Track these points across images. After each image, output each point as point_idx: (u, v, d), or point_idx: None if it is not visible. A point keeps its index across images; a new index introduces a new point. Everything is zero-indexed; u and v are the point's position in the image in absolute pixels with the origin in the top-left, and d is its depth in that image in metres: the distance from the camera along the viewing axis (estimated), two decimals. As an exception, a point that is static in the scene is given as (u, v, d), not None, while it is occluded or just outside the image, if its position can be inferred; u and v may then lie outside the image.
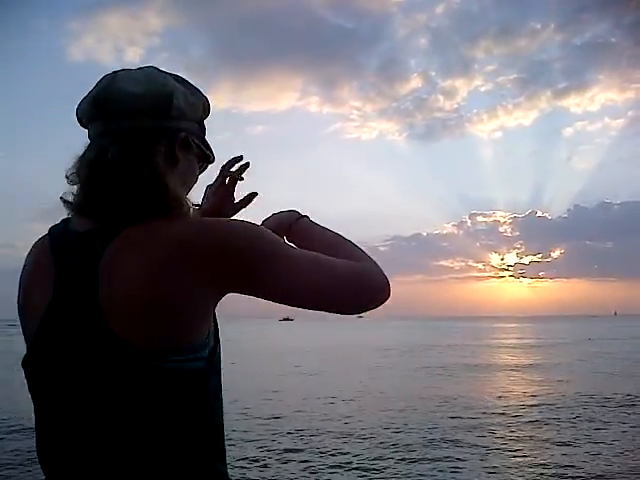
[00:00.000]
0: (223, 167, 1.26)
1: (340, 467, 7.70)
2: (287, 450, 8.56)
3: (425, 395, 13.66)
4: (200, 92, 1.05)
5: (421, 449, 8.53)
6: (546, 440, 9.01)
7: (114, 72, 1.00)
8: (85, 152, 0.98)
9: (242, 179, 1.26)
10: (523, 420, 10.63)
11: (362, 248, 1.09)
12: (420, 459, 8.00)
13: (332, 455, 8.26)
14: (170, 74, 1.02)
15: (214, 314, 0.97)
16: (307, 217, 1.18)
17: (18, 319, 1.00)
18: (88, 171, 0.95)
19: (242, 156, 1.26)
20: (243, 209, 1.29)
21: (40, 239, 1.02)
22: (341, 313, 0.99)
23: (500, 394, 14.08)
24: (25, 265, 1.02)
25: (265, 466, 7.79)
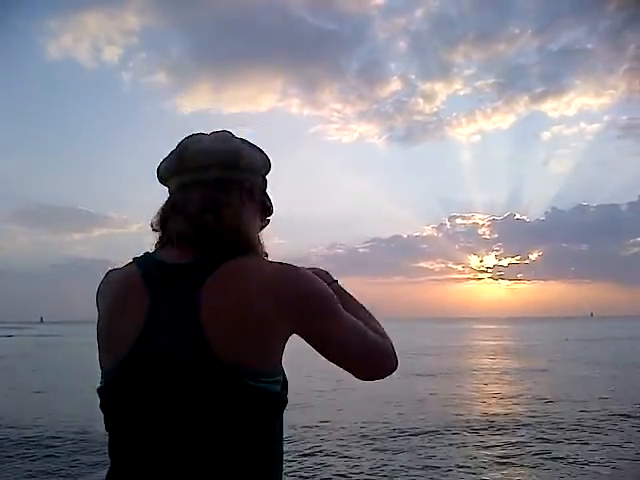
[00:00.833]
0: None
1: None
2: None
3: (397, 397, 13.75)
4: (263, 152, 1.22)
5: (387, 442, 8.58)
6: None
7: (195, 135, 1.19)
8: (169, 202, 1.15)
9: None
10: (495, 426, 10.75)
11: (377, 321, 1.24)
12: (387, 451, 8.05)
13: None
14: (239, 139, 1.20)
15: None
16: (337, 281, 1.31)
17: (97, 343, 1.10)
18: (184, 213, 1.10)
19: None
20: None
21: (119, 271, 1.15)
22: (356, 376, 1.14)
23: (477, 396, 14.21)
24: (111, 292, 1.12)
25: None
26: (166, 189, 1.19)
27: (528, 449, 8.45)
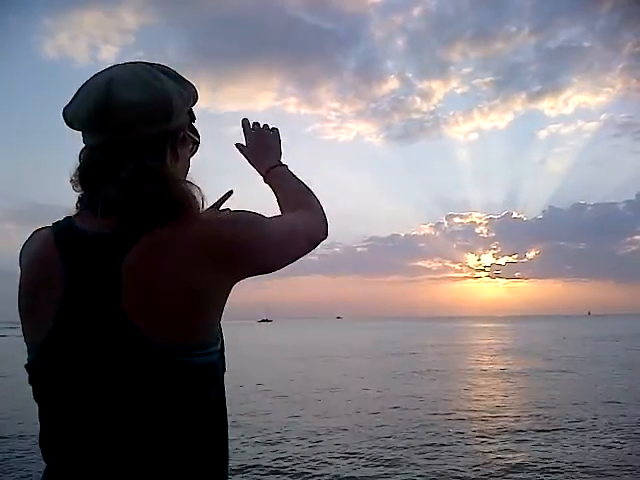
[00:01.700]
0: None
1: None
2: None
3: (400, 397, 13.73)
4: (188, 82, 1.08)
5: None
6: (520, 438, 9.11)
7: (105, 73, 1.01)
8: (91, 159, 1.00)
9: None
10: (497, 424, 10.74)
11: (314, 195, 1.28)
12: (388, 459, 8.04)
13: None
14: (158, 67, 1.04)
15: None
16: (286, 166, 1.35)
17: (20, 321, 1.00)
18: (116, 181, 0.96)
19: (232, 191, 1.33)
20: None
21: (38, 235, 1.02)
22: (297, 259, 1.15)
23: (475, 396, 14.21)
24: (25, 264, 1.01)
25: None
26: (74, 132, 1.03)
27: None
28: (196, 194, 1.00)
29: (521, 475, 7.21)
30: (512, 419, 10.67)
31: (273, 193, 1.31)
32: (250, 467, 7.68)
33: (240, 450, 8.44)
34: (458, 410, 11.66)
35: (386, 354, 27.60)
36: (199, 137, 1.14)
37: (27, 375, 0.98)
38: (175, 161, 1.04)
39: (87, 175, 0.99)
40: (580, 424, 10.06)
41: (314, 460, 8.04)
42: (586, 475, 7.19)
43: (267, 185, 1.33)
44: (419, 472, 7.39)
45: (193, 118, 1.12)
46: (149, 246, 0.92)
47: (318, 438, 9.37)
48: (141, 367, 0.89)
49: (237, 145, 1.41)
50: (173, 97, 1.00)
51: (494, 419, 10.70)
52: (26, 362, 0.98)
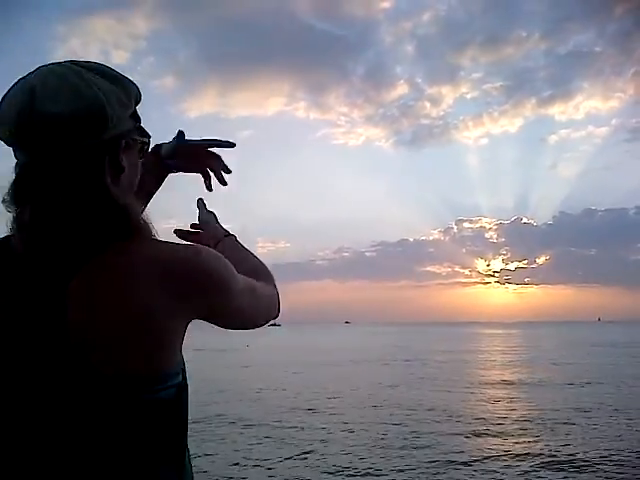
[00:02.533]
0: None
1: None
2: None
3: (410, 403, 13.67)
4: (128, 80, 0.94)
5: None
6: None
7: (28, 79, 0.87)
8: (22, 177, 0.88)
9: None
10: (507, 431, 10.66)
11: (267, 268, 1.17)
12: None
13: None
14: (89, 67, 0.90)
15: None
16: (234, 236, 1.23)
17: None
18: (45, 204, 0.86)
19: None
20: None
21: None
22: (249, 328, 1.11)
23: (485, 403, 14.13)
24: None
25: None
26: None
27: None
28: (139, 214, 0.91)
29: None
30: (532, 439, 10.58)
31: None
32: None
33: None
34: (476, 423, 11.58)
35: (395, 360, 27.49)
36: (148, 136, 1.00)
37: None
38: (118, 172, 0.91)
39: (17, 195, 0.88)
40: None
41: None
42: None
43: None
44: None
45: (138, 120, 0.97)
46: (97, 272, 0.83)
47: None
48: (91, 398, 0.81)
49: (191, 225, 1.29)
50: (107, 104, 0.86)
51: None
52: None
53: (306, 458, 8.45)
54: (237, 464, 8.14)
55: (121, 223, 0.87)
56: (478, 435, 9.83)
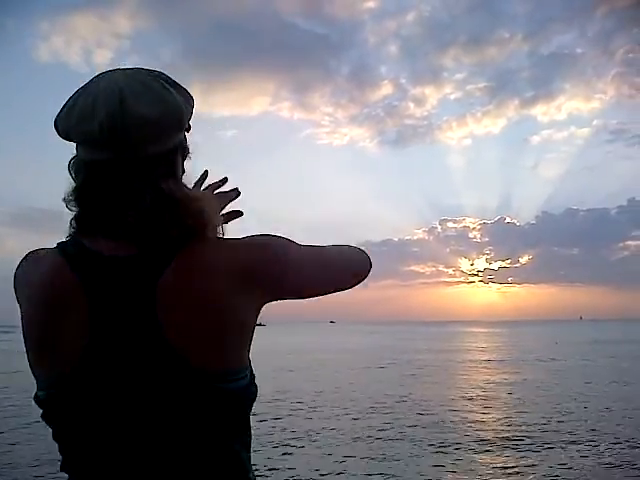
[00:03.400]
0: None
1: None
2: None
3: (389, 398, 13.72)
4: (186, 89, 1.00)
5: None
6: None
7: (111, 81, 0.91)
8: (93, 177, 0.91)
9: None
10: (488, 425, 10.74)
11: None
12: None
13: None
14: (159, 75, 0.96)
15: None
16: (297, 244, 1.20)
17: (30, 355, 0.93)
18: (115, 200, 0.89)
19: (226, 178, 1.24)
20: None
21: (42, 258, 0.95)
22: (341, 291, 1.11)
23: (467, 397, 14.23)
24: (34, 291, 0.92)
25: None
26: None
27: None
28: (216, 212, 1.00)
29: None
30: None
31: None
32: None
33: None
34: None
35: (380, 359, 27.56)
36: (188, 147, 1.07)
37: (42, 409, 0.93)
38: (182, 173, 1.00)
39: (95, 195, 0.91)
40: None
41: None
42: None
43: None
44: None
45: (189, 128, 1.03)
46: (183, 268, 0.88)
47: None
48: (182, 392, 0.87)
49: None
50: (181, 107, 0.94)
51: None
52: (39, 396, 0.92)
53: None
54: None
55: (198, 222, 0.91)
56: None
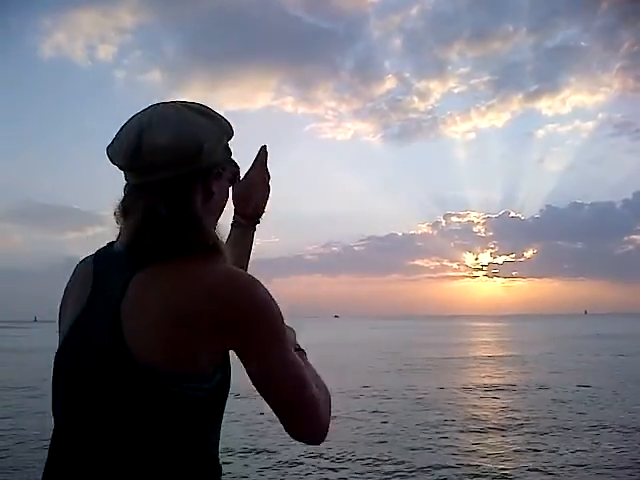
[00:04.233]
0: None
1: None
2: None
3: (399, 391, 13.74)
4: (221, 117, 1.10)
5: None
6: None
7: (145, 113, 1.06)
8: (126, 198, 1.07)
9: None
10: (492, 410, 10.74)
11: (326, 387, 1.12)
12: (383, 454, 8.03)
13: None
14: (191, 107, 1.07)
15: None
16: (301, 350, 1.20)
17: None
18: (131, 221, 1.03)
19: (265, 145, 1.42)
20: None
21: (88, 257, 1.13)
22: (287, 427, 1.02)
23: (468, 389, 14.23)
24: (69, 280, 1.14)
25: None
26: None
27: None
28: (214, 238, 1.04)
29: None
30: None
31: (238, 242, 1.33)
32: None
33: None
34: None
35: (384, 353, 27.58)
36: (238, 167, 1.20)
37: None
38: (208, 197, 1.08)
39: (123, 209, 1.07)
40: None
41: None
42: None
43: (236, 229, 1.35)
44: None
45: (229, 152, 1.15)
46: (152, 274, 0.98)
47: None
48: (133, 391, 0.93)
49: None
50: (204, 138, 1.03)
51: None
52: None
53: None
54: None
55: (194, 239, 1.00)
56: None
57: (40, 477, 1.02)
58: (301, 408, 1.01)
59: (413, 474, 7.29)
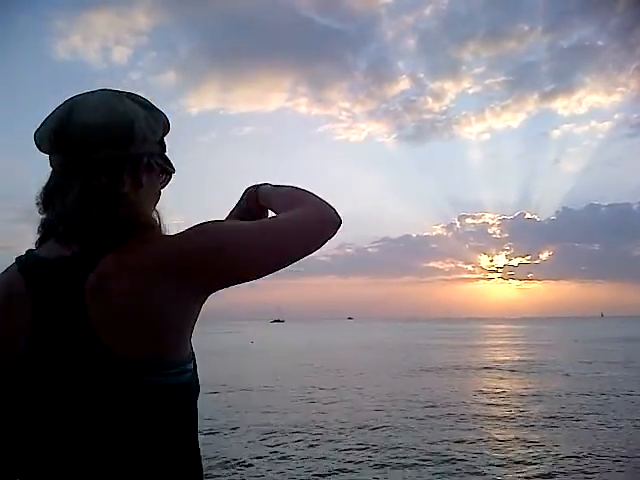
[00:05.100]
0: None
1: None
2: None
3: (411, 394, 13.72)
4: (158, 110, 1.07)
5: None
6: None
7: (72, 99, 1.02)
8: (51, 182, 1.01)
9: None
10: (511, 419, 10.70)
11: (305, 189, 1.16)
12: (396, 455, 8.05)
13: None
14: (127, 94, 1.04)
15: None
16: (266, 184, 1.24)
17: None
18: (64, 203, 0.97)
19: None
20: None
21: (2, 274, 1.02)
22: (305, 256, 1.04)
23: (486, 395, 14.17)
24: None
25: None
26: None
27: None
28: (152, 215, 1.01)
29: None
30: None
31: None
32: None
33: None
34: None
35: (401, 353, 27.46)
36: (173, 169, 1.11)
37: None
38: (137, 187, 1.01)
39: (45, 197, 1.01)
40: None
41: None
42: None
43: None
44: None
45: (164, 148, 1.09)
46: (108, 268, 0.92)
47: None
48: (111, 384, 0.90)
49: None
50: (136, 122, 0.99)
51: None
52: None
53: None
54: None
55: (132, 225, 0.96)
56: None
57: None
58: (316, 233, 1.05)
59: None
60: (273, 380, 17.28)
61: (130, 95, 1.04)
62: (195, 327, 0.99)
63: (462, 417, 11.07)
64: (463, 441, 9.05)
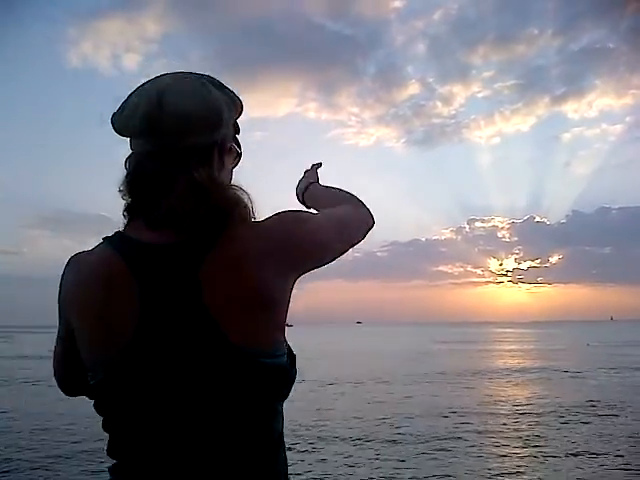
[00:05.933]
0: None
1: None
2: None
3: (424, 402, 13.62)
4: (234, 93, 1.09)
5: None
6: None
7: (156, 81, 1.03)
8: (139, 167, 1.01)
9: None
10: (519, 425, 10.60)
11: (350, 192, 1.28)
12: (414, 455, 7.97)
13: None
14: (209, 80, 1.05)
15: None
16: (317, 183, 1.40)
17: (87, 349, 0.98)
18: (156, 189, 0.98)
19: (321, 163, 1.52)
20: None
21: (89, 255, 1.01)
22: (353, 246, 1.16)
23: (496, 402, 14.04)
24: (83, 285, 0.99)
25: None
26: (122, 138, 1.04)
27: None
28: (247, 200, 1.02)
29: None
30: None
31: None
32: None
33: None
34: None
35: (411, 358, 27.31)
36: (241, 149, 1.15)
37: (93, 399, 0.99)
38: (221, 170, 1.05)
39: (137, 183, 1.01)
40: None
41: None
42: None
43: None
44: None
45: (237, 130, 1.14)
46: (219, 255, 0.94)
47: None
48: (229, 371, 0.92)
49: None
50: (222, 105, 1.03)
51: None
52: (91, 385, 0.97)
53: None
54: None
55: (233, 209, 0.98)
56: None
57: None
58: (363, 227, 1.18)
59: None
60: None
61: (211, 80, 1.06)
62: None
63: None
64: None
